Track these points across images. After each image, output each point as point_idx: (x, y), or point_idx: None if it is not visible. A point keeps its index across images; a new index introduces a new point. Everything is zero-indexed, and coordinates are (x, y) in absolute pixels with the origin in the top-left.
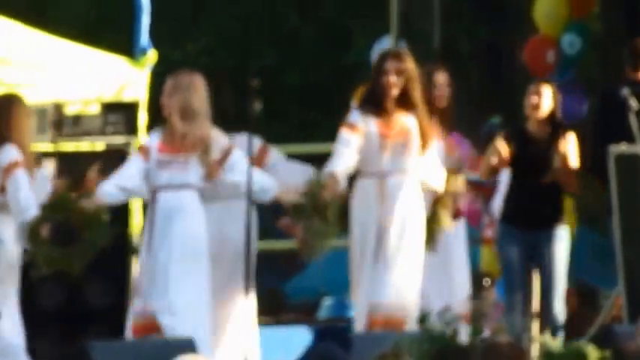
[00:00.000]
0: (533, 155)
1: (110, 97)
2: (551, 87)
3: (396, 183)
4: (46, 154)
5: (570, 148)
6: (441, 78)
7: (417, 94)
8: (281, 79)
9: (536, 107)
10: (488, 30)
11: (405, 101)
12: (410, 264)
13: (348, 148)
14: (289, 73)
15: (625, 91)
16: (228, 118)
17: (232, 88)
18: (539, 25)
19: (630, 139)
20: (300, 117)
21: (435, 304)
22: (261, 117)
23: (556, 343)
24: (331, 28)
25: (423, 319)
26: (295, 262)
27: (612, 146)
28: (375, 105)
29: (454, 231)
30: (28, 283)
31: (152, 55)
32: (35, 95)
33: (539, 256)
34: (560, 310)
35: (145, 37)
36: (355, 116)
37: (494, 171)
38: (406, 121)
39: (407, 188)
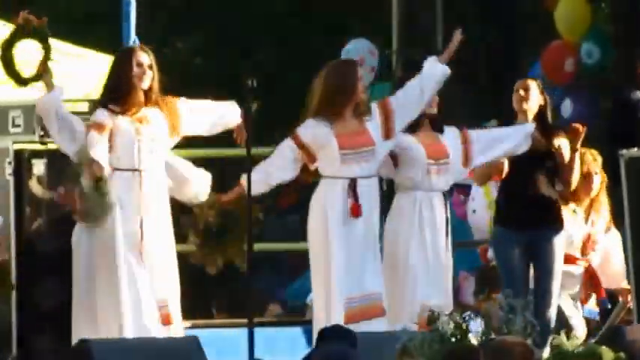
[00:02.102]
0: (526, 152)
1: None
2: (538, 83)
3: None
4: (36, 154)
5: (563, 143)
6: None
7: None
8: (278, 79)
9: (523, 100)
10: (493, 32)
11: None
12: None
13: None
14: (287, 73)
15: (636, 95)
16: None
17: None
18: (560, 31)
19: None
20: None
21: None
22: (259, 117)
23: (570, 343)
24: (331, 28)
25: (432, 319)
26: (298, 264)
27: (624, 150)
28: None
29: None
30: (28, 283)
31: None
32: (22, 93)
33: (536, 257)
34: (553, 311)
35: (133, 34)
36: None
37: (489, 179)
38: None
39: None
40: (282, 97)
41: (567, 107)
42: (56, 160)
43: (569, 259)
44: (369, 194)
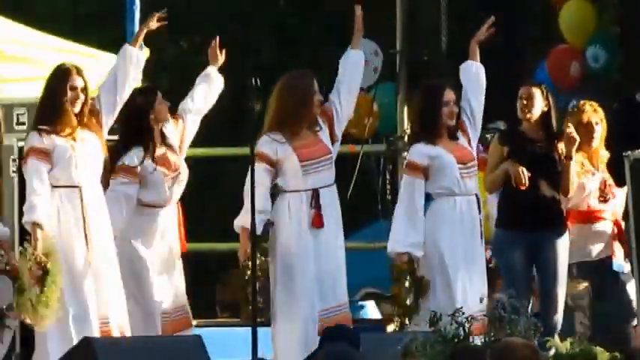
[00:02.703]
0: (530, 156)
1: None
2: (542, 89)
3: None
4: None
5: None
6: (450, 95)
7: None
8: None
9: (527, 109)
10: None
11: None
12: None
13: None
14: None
15: None
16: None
17: (231, 87)
18: (565, 36)
19: None
20: None
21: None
22: (261, 117)
23: (564, 345)
24: (333, 27)
25: (434, 320)
26: None
27: (629, 151)
28: None
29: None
30: None
31: (145, 52)
32: (23, 92)
33: (538, 260)
34: (560, 317)
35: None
36: None
37: (500, 187)
38: None
39: None
40: None
41: None
42: None
43: (594, 217)
44: (332, 203)
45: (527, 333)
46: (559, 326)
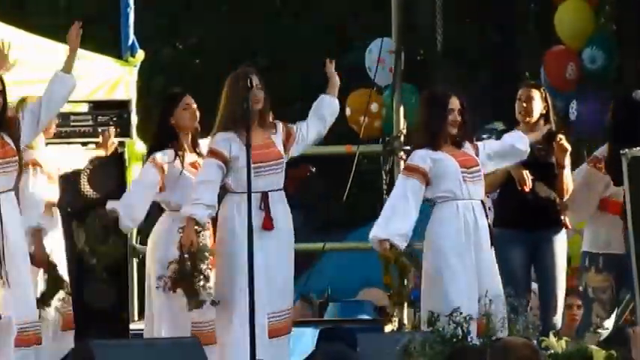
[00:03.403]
0: (529, 158)
1: (99, 97)
2: (541, 90)
3: None
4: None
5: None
6: (455, 104)
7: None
8: (277, 80)
9: (526, 113)
10: (492, 32)
11: None
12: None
13: None
14: (285, 74)
15: (638, 94)
16: None
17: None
18: (561, 38)
19: None
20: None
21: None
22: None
23: (559, 344)
24: (330, 28)
25: (432, 320)
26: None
27: (626, 149)
28: None
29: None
30: None
31: (140, 54)
32: (21, 94)
33: (537, 260)
34: (559, 317)
35: (131, 35)
36: None
37: (497, 187)
38: None
39: None
40: (279, 98)
41: (573, 111)
42: None
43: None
44: (282, 207)
45: (527, 332)
46: (558, 326)
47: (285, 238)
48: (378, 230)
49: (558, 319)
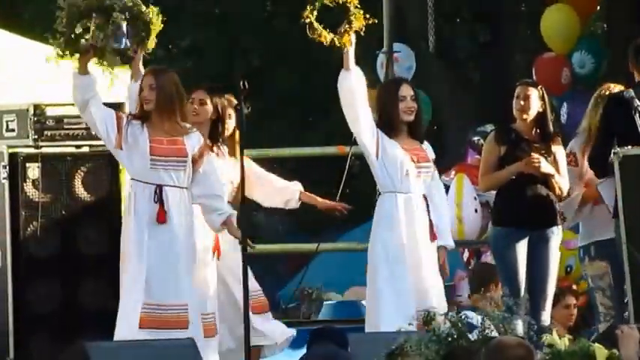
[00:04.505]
0: (526, 156)
1: None
2: (539, 89)
3: None
4: (30, 158)
5: (560, 150)
6: (406, 91)
7: None
8: (270, 81)
9: (523, 111)
10: (486, 31)
11: None
12: None
13: None
14: (278, 75)
15: (630, 93)
16: None
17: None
18: (548, 44)
19: (636, 140)
20: (291, 119)
21: None
22: (251, 119)
23: (562, 342)
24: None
25: (428, 319)
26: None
27: (618, 148)
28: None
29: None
30: (23, 286)
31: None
32: (14, 97)
33: (532, 258)
34: (548, 314)
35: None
36: None
37: (498, 187)
38: None
39: None
40: (271, 98)
41: (564, 114)
42: (50, 163)
43: None
44: (181, 204)
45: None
46: (546, 323)
47: (183, 236)
48: None
49: (547, 317)
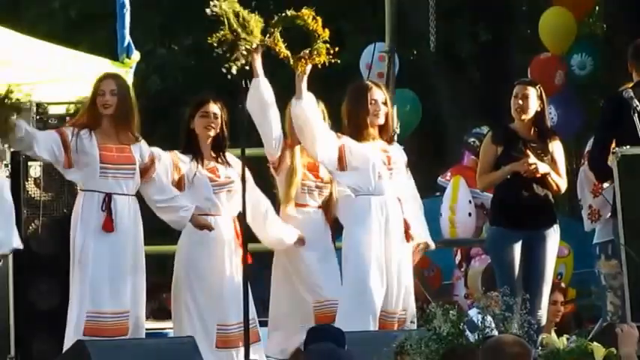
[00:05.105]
0: (522, 155)
1: None
2: (537, 88)
3: None
4: (31, 157)
5: (557, 147)
6: (377, 94)
7: None
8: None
9: (522, 110)
10: (487, 31)
11: None
12: None
13: None
14: (277, 73)
15: (629, 93)
16: None
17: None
18: (545, 44)
19: (635, 140)
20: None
21: None
22: (252, 119)
23: (561, 341)
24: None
25: (427, 319)
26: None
27: (617, 147)
28: None
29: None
30: (25, 284)
31: (136, 55)
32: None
33: (529, 257)
34: (544, 312)
35: (127, 36)
36: None
37: (492, 187)
38: None
39: None
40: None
41: (553, 115)
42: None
43: None
44: (129, 212)
45: (521, 330)
46: (543, 322)
47: (131, 244)
48: None
49: (543, 315)
